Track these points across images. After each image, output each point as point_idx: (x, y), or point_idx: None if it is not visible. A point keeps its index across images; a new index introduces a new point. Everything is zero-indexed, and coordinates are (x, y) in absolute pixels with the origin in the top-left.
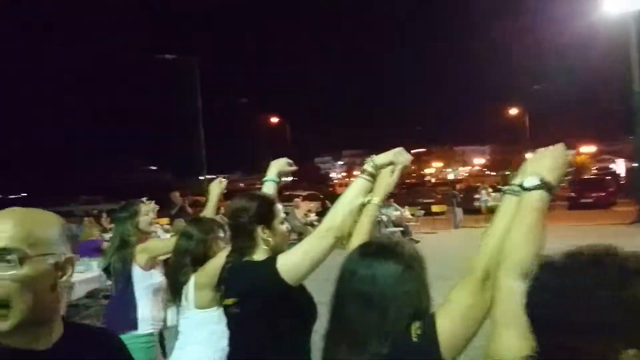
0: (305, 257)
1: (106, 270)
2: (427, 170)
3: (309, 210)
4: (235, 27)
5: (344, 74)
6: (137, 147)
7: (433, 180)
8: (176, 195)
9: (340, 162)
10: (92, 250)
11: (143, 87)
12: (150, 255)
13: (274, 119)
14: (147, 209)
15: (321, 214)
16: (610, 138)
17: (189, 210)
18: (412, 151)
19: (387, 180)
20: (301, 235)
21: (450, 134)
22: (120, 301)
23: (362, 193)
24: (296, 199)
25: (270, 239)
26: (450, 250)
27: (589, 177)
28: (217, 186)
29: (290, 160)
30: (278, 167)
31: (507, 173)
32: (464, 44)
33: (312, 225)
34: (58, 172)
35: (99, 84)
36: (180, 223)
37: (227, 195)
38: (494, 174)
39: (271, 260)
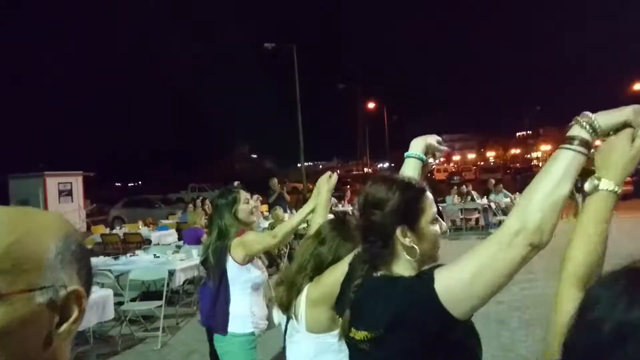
0: (478, 278)
1: (204, 263)
2: (533, 154)
3: None
4: (331, 12)
5: (443, 54)
6: (239, 135)
7: (540, 165)
8: (274, 182)
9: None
10: (195, 239)
11: (245, 76)
12: (247, 252)
13: (371, 104)
14: (247, 196)
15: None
16: None
17: (287, 197)
18: (517, 134)
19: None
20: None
21: (561, 113)
22: (216, 297)
23: (572, 174)
24: None
25: (415, 246)
26: None
27: None
28: (326, 182)
29: (439, 138)
30: (426, 144)
31: None
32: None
33: None
34: (169, 162)
35: (203, 73)
36: (279, 211)
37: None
38: None
39: (427, 281)
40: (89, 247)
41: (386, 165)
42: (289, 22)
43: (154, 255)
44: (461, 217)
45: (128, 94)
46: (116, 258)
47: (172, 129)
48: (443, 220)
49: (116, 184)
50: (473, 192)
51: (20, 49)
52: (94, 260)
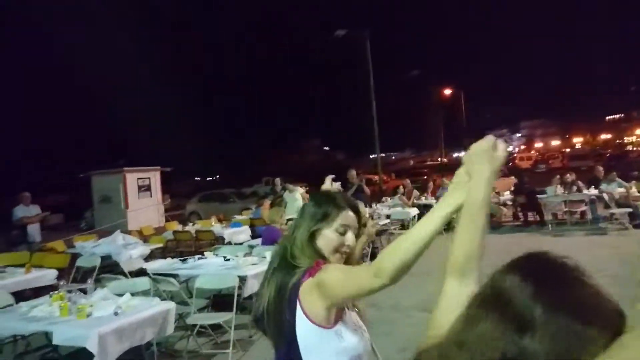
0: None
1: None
2: (627, 139)
3: (497, 190)
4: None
5: (519, 37)
6: (311, 128)
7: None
8: (352, 174)
9: (518, 135)
10: (272, 240)
11: (316, 65)
12: (332, 301)
13: (447, 91)
14: (349, 220)
15: (516, 192)
16: None
17: (367, 190)
18: (607, 118)
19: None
20: (493, 217)
21: None
22: None
23: (446, 216)
24: None
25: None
26: None
27: None
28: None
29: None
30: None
31: None
32: None
33: (505, 205)
34: (242, 156)
35: (272, 65)
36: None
37: (398, 173)
38: None
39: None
40: (161, 245)
41: (462, 154)
42: (360, 6)
43: (224, 257)
44: (565, 209)
45: (201, 87)
46: (184, 260)
47: (244, 120)
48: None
49: (195, 178)
50: (579, 182)
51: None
52: (158, 263)
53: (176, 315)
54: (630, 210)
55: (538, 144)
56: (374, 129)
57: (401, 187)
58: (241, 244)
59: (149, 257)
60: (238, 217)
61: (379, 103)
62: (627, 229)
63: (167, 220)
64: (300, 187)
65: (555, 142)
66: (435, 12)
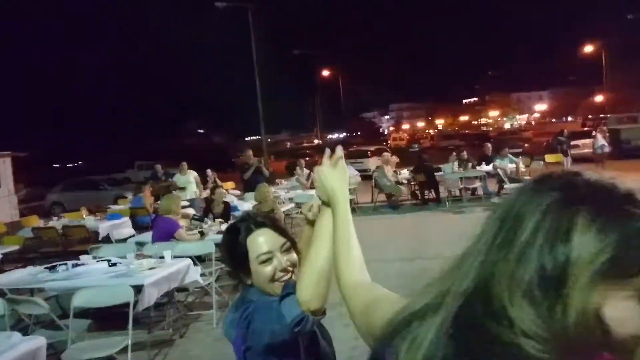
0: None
1: None
2: (482, 120)
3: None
4: None
5: (390, 21)
6: (187, 110)
7: (490, 130)
8: (249, 154)
9: (387, 117)
10: (168, 234)
11: (194, 44)
12: None
13: (325, 73)
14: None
15: (416, 170)
16: None
17: (266, 171)
18: (464, 101)
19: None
20: (392, 197)
21: (504, 79)
22: None
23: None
24: (385, 153)
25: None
26: None
27: None
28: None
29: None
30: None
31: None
32: None
33: (402, 184)
34: (107, 139)
35: (147, 37)
36: (265, 188)
37: (277, 155)
38: (554, 120)
39: None
40: (17, 247)
41: (342, 135)
42: None
43: (109, 261)
44: (461, 186)
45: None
46: (52, 268)
47: (114, 101)
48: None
49: (54, 165)
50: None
51: None
52: (14, 275)
53: (47, 349)
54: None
55: (405, 125)
56: (255, 110)
57: (298, 168)
58: (125, 240)
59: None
60: (115, 208)
61: (253, 82)
62: None
63: (22, 215)
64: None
65: (421, 124)
66: None
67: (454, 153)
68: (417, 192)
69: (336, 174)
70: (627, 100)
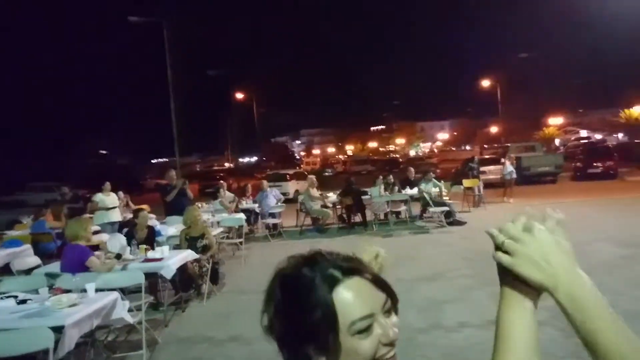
0: None
1: None
2: (390, 147)
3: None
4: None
5: (303, 47)
6: (90, 130)
7: (396, 156)
8: (172, 175)
9: (298, 141)
10: (79, 263)
11: (105, 61)
12: None
13: (240, 95)
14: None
15: (344, 193)
16: (572, 110)
17: (191, 194)
18: (372, 128)
19: None
20: (318, 220)
21: (410, 109)
22: None
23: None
24: (310, 176)
25: None
26: None
27: (594, 147)
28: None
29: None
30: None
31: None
32: (430, 17)
33: (328, 207)
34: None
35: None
36: (195, 210)
37: (188, 178)
38: (454, 149)
39: None
40: None
41: (254, 159)
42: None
43: (16, 298)
44: (388, 209)
45: None
46: None
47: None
48: None
49: None
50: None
51: None
52: None
53: None
54: (447, 208)
55: (316, 150)
56: (163, 131)
57: (221, 190)
58: (29, 271)
59: None
60: (12, 233)
61: (165, 103)
62: (444, 227)
63: None
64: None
65: (332, 149)
66: (237, 18)
67: (381, 177)
68: (344, 215)
69: (560, 245)
70: (518, 131)
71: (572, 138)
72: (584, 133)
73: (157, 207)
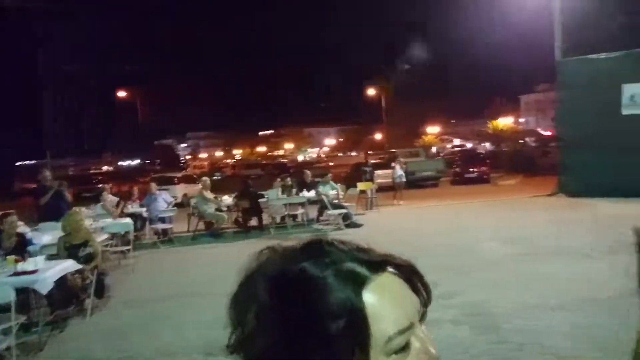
0: None
1: None
2: (278, 152)
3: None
4: None
5: (189, 49)
6: None
7: (285, 161)
8: (46, 176)
9: (184, 144)
10: None
11: None
12: None
13: (122, 93)
14: None
15: (240, 196)
16: (446, 121)
17: (69, 196)
18: (260, 133)
19: None
20: (212, 225)
21: (299, 115)
22: None
23: None
24: (204, 178)
25: None
26: (421, 233)
27: (470, 154)
28: None
29: None
30: None
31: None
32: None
33: (222, 211)
34: None
35: None
36: (77, 215)
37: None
38: (340, 154)
39: None
40: None
41: (135, 162)
42: None
43: None
44: (286, 212)
45: None
46: None
47: None
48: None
49: None
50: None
51: None
52: None
53: None
54: (345, 211)
55: (203, 154)
56: (29, 131)
57: (104, 193)
58: None
59: None
60: None
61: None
62: (341, 229)
63: None
64: None
65: (219, 153)
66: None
67: (279, 179)
68: (241, 219)
69: None
70: (400, 138)
71: (448, 146)
72: (457, 141)
73: (31, 212)
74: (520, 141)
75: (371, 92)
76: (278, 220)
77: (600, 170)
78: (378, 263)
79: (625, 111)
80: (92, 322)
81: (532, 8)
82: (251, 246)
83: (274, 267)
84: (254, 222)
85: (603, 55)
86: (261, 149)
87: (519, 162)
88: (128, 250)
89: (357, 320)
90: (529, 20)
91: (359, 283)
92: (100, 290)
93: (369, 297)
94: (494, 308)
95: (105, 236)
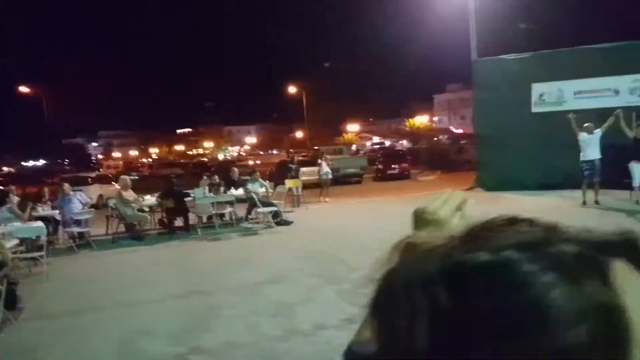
0: None
1: None
2: (196, 151)
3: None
4: None
5: (102, 46)
6: None
7: (205, 159)
8: None
9: (94, 144)
10: None
11: None
12: None
13: (25, 89)
14: None
15: (165, 196)
16: (365, 119)
17: None
18: (178, 131)
19: None
20: (134, 227)
21: (218, 113)
22: None
23: None
24: (123, 177)
25: None
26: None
27: (391, 151)
28: None
29: None
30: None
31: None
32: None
33: (144, 211)
34: None
35: None
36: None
37: None
38: (262, 152)
39: None
40: None
41: (41, 162)
42: None
43: None
44: (214, 212)
45: None
46: None
47: None
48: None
49: None
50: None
51: None
52: None
53: None
54: (275, 208)
55: (117, 154)
56: None
57: (11, 195)
58: None
59: None
60: None
61: None
62: (272, 227)
63: None
64: None
65: (135, 152)
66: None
67: (205, 177)
68: (165, 219)
69: None
70: (322, 136)
71: (368, 144)
72: (376, 139)
73: None
74: (435, 139)
75: (292, 90)
76: (205, 219)
77: (514, 166)
78: (612, 245)
79: (534, 109)
80: (2, 339)
81: (446, 12)
82: (177, 248)
83: (450, 255)
84: (179, 222)
85: (514, 56)
86: (179, 147)
87: (436, 159)
88: (41, 256)
89: (615, 325)
90: (443, 22)
91: (603, 274)
92: (12, 302)
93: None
94: None
95: (15, 242)
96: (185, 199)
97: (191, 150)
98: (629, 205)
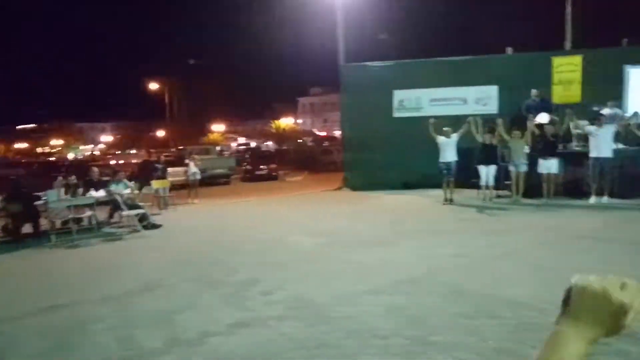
0: None
1: None
2: (41, 149)
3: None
4: None
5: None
6: None
7: (54, 159)
8: None
9: None
10: None
11: None
12: None
13: None
14: None
15: (10, 199)
16: (230, 119)
17: None
18: (18, 127)
19: None
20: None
21: (68, 108)
22: None
23: None
24: None
25: None
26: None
27: (259, 152)
28: None
29: None
30: None
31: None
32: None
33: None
34: None
35: None
36: None
37: None
38: (119, 152)
39: None
40: None
41: None
42: None
43: None
44: (71, 216)
45: None
46: None
47: None
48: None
49: None
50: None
51: None
52: None
53: None
54: (142, 211)
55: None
56: None
57: None
58: None
59: None
60: None
61: None
62: (138, 231)
63: None
64: None
65: None
66: None
67: (60, 178)
68: (11, 226)
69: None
70: (186, 135)
71: (234, 144)
72: (242, 140)
73: None
74: (299, 140)
75: (153, 86)
76: (59, 225)
77: (378, 167)
78: None
79: (396, 114)
80: None
81: (312, 18)
82: (29, 259)
83: None
84: (28, 228)
85: (378, 64)
86: (22, 145)
87: (302, 160)
88: None
89: None
90: (309, 27)
91: None
92: None
93: None
94: (318, 298)
95: None
96: (35, 203)
97: (35, 149)
98: (479, 202)
